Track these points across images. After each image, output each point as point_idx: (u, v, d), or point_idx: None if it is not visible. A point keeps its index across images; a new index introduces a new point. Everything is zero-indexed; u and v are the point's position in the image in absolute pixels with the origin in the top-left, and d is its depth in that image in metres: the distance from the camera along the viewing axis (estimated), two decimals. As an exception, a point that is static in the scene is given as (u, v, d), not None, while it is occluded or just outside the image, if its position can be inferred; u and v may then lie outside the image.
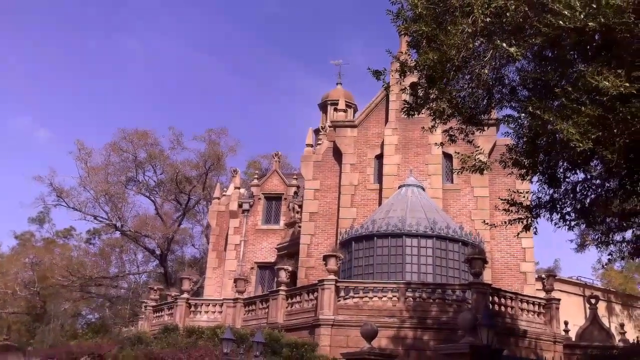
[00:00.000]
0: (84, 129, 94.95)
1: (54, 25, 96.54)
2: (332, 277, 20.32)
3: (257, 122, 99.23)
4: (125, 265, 52.28)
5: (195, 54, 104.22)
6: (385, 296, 19.88)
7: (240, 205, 32.70)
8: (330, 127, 30.17)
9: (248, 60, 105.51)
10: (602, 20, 8.93)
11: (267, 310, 22.17)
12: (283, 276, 22.35)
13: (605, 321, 28.88)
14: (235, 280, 24.96)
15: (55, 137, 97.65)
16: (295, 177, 33.61)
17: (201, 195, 48.12)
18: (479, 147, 13.31)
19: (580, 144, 9.29)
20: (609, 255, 13.41)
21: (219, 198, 34.62)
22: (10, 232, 79.11)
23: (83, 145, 45.63)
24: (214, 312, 24.24)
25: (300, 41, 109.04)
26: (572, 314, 28.90)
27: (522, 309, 20.72)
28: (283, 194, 33.00)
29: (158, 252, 47.22)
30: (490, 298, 19.76)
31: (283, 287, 22.02)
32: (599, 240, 12.73)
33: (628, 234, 13.18)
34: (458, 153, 13.22)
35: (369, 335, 16.17)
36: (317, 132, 35.39)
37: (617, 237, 13.12)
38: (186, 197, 48.00)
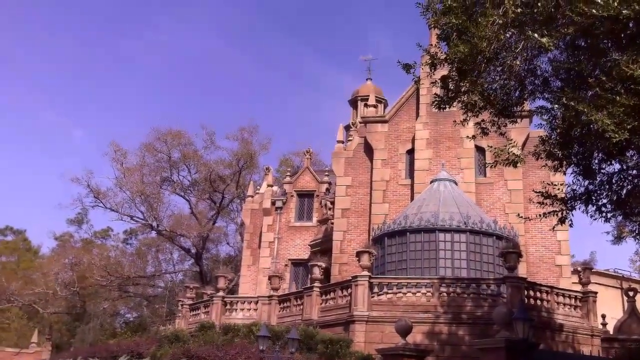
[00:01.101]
0: (117, 128, 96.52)
1: (87, 24, 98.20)
2: (365, 273, 20.26)
3: (287, 118, 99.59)
4: (161, 265, 52.99)
5: (225, 49, 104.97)
6: (419, 292, 19.75)
7: (273, 203, 32.83)
8: (360, 122, 30.10)
9: (278, 56, 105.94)
10: (637, 7, 8.72)
11: (301, 307, 22.21)
12: (317, 273, 22.37)
13: (644, 314, 28.24)
14: (270, 278, 25.06)
15: (89, 136, 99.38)
16: (326, 173, 33.62)
17: (235, 193, 48.42)
18: (511, 139, 13.11)
19: (616, 135, 9.10)
20: (648, 246, 13.15)
21: (252, 196, 34.80)
22: (50, 233, 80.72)
23: (118, 147, 46.26)
24: (249, 309, 24.37)
25: (330, 37, 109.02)
26: (610, 307, 28.29)
27: (558, 303, 20.40)
28: (315, 190, 33.02)
29: (193, 250, 47.69)
30: (526, 292, 19.49)
31: (317, 284, 22.04)
32: (637, 231, 12.44)
33: (667, 226, 12.88)
34: (491, 146, 13.07)
35: (404, 331, 16.08)
36: (347, 128, 35.32)
37: (656, 229, 12.83)
38: (220, 195, 48.34)
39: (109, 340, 31.13)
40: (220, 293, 24.91)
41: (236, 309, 24.61)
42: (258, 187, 36.21)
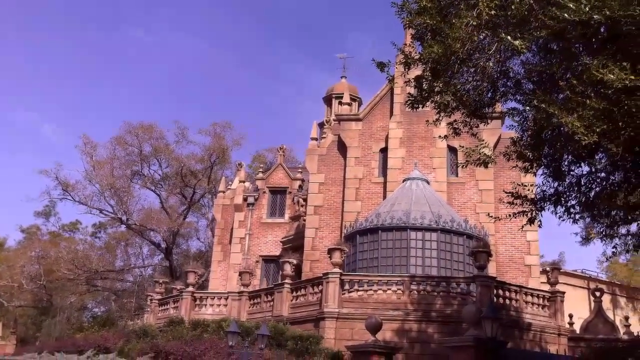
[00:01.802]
0: (90, 123, 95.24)
1: (59, 18, 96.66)
2: (336, 270, 20.35)
3: (262, 115, 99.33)
4: (130, 259, 52.56)
5: (200, 45, 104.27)
6: (389, 289, 19.90)
7: (245, 199, 32.77)
8: (335, 120, 30.17)
9: (253, 52, 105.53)
10: (608, 12, 8.89)
11: (272, 303, 22.22)
12: (288, 269, 22.40)
13: (609, 314, 28.85)
14: (240, 274, 25.01)
15: (61, 131, 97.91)
16: (300, 170, 33.65)
17: (206, 188, 48.23)
18: (483, 140, 13.31)
19: (585, 137, 9.27)
20: (613, 248, 13.41)
21: (224, 192, 34.67)
22: (16, 226, 79.52)
23: (89, 139, 45.81)
24: (219, 305, 24.32)
25: (306, 34, 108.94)
26: (577, 307, 28.86)
27: (526, 302, 20.73)
28: (288, 187, 33.03)
29: (163, 245, 47.39)
30: (495, 291, 19.77)
31: (288, 280, 22.08)
32: (604, 233, 12.70)
33: (633, 227, 13.17)
34: (463, 146, 13.25)
35: (374, 328, 16.22)
36: (321, 125, 35.36)
37: (622, 230, 13.12)
38: (191, 190, 48.11)
39: (76, 335, 30.80)
40: (190, 288, 24.81)
41: (206, 305, 24.53)
42: (230, 183, 36.09)
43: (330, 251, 21.00)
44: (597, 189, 11.59)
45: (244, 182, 34.06)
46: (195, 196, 48.81)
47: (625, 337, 21.56)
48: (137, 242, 51.01)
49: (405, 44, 13.06)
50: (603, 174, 11.56)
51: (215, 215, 34.93)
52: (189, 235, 51.49)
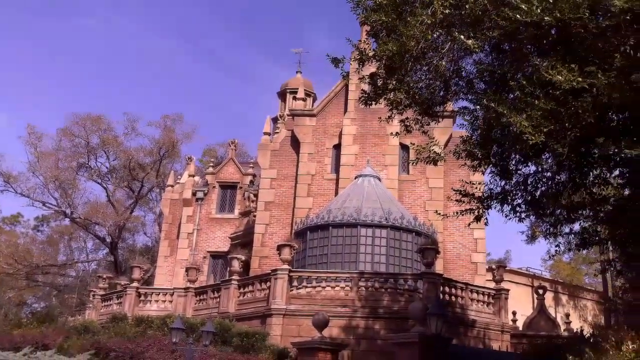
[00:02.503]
0: (37, 113, 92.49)
1: (8, 4, 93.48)
2: (285, 266, 20.31)
3: (214, 108, 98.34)
4: (74, 253, 51.41)
5: (153, 36, 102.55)
6: (338, 286, 19.97)
7: (194, 194, 32.40)
8: (288, 115, 30.11)
9: (207, 44, 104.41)
10: (558, 15, 9.10)
11: (218, 299, 22.04)
12: (236, 265, 22.25)
13: (552, 311, 29.70)
14: (187, 270, 24.73)
15: (7, 121, 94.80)
16: (251, 165, 33.45)
17: (155, 182, 47.50)
18: (434, 138, 13.48)
19: (533, 137, 9.47)
20: (557, 246, 13.77)
21: (172, 186, 34.20)
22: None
23: (33, 130, 44.49)
24: (165, 301, 24.00)
25: (261, 27, 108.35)
26: (521, 304, 29.60)
27: (472, 299, 21.11)
28: (238, 182, 32.81)
29: (109, 240, 46.44)
30: (442, 288, 20.06)
31: (235, 277, 21.92)
32: (548, 231, 13.02)
33: (576, 226, 13.56)
34: (414, 144, 13.34)
35: (321, 325, 16.24)
36: (275, 120, 35.27)
37: (566, 229, 13.47)
38: (139, 184, 47.28)
39: (13, 331, 29.82)
40: (135, 284, 24.40)
41: (151, 301, 24.17)
42: (179, 177, 35.63)
43: (280, 247, 20.93)
44: (543, 188, 11.86)
45: (193, 176, 33.67)
46: (143, 190, 48.01)
47: (566, 333, 22.21)
48: (82, 236, 49.91)
49: (361, 41, 13.13)
50: (549, 174, 11.85)
51: (163, 210, 34.42)
52: (136, 229, 50.66)
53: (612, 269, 18.39)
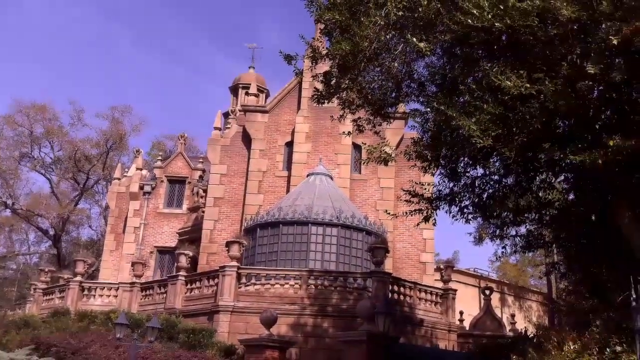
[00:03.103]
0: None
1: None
2: (234, 263, 20.28)
3: (164, 101, 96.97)
4: (14, 245, 50.02)
5: (103, 23, 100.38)
6: (287, 283, 20.05)
7: (141, 187, 31.97)
8: (240, 111, 29.96)
9: (158, 34, 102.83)
10: (509, 21, 9.38)
11: (165, 295, 21.86)
12: (183, 261, 22.10)
13: (498, 311, 30.46)
14: (133, 264, 24.45)
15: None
16: (201, 160, 33.19)
17: (101, 175, 46.69)
18: (385, 139, 13.70)
19: (481, 141, 9.72)
20: (503, 248, 14.14)
21: (119, 179, 33.68)
22: None
23: (-28, 117, 43.14)
24: (109, 296, 23.66)
25: (215, 20, 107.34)
26: (468, 304, 30.25)
27: (420, 298, 21.47)
28: (187, 177, 32.53)
29: (52, 232, 45.42)
30: (391, 287, 20.34)
31: (183, 273, 21.78)
32: (495, 234, 13.38)
33: (522, 229, 13.98)
34: (365, 144, 13.52)
35: (269, 322, 16.29)
36: (226, 115, 35.08)
37: (512, 232, 13.88)
38: (85, 176, 46.38)
39: (-52, 326, 28.92)
40: (78, 278, 23.98)
41: (94, 295, 23.80)
42: (126, 170, 35.10)
43: (229, 244, 20.88)
44: (490, 191, 12.18)
45: (141, 169, 33.22)
46: (88, 182, 47.12)
47: (511, 333, 22.81)
48: (23, 227, 48.65)
49: (315, 39, 13.21)
50: (496, 177, 12.16)
51: (110, 203, 33.85)
52: (81, 222, 49.65)
53: (556, 271, 18.99)
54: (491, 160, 11.42)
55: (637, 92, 9.66)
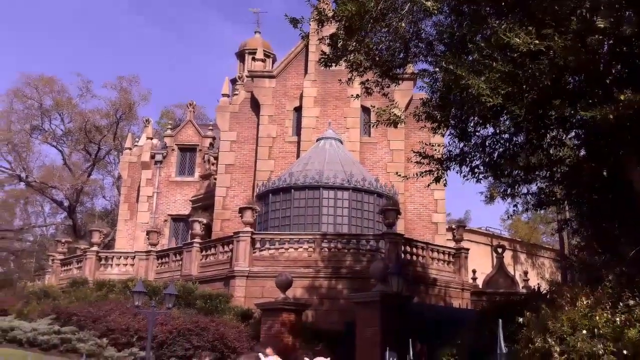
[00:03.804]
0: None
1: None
2: (248, 229, 20.45)
3: (171, 70, 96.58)
4: (30, 218, 50.62)
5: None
6: (301, 247, 20.23)
7: (152, 156, 32.11)
8: (247, 77, 29.85)
9: (162, 4, 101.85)
10: (516, -24, 9.19)
11: (180, 262, 22.13)
12: (197, 229, 22.30)
13: (510, 269, 30.61)
14: (148, 233, 24.71)
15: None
16: (211, 128, 33.21)
17: (112, 145, 46.84)
18: (394, 101, 13.57)
19: (491, 99, 9.63)
20: (514, 206, 14.12)
21: (130, 148, 33.83)
22: None
23: (-18, 91, 43.26)
24: (126, 265, 24.00)
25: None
26: (481, 263, 30.42)
27: (432, 258, 21.62)
28: (198, 145, 32.61)
29: (66, 203, 45.82)
30: (403, 247, 20.49)
31: (197, 240, 22.00)
32: (506, 192, 13.33)
33: (533, 187, 13.91)
34: (374, 106, 13.43)
35: (284, 286, 16.49)
36: (234, 82, 34.94)
37: (523, 190, 13.82)
38: (96, 147, 46.58)
39: (-30, 298, 29.49)
40: (95, 248, 24.30)
41: (112, 265, 24.14)
42: (137, 140, 35.22)
43: (242, 210, 21.03)
44: (501, 149, 12.10)
45: (151, 139, 33.32)
46: (100, 153, 47.34)
47: (524, 290, 22.98)
48: (38, 200, 49.12)
49: (320, 1, 13.03)
50: (506, 136, 12.07)
51: (122, 173, 34.09)
52: (94, 193, 50.05)
53: (568, 228, 18.95)
54: (501, 118, 11.31)
55: (648, 45, 9.51)
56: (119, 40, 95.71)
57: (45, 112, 45.47)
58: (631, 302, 8.51)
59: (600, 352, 7.97)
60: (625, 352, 7.86)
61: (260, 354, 13.28)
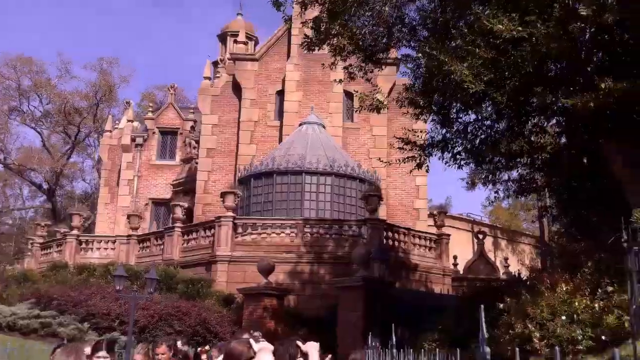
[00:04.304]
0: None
1: None
2: (230, 213, 20.44)
3: (152, 51, 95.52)
4: (8, 200, 50.11)
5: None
6: (283, 232, 20.27)
7: (133, 139, 31.89)
8: (229, 60, 29.65)
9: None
10: (499, -38, 9.20)
11: (162, 247, 22.09)
12: (179, 213, 22.24)
13: (491, 255, 30.91)
14: (129, 217, 24.60)
15: None
16: (192, 111, 33.01)
17: (92, 127, 46.43)
18: (377, 86, 13.55)
19: (473, 86, 9.67)
20: (495, 193, 14.23)
21: (110, 131, 33.56)
22: None
23: (-42, 71, 42.58)
24: (107, 249, 23.90)
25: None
26: (462, 249, 30.60)
27: (414, 244, 21.77)
28: (179, 128, 32.43)
29: (45, 186, 45.45)
30: (385, 233, 20.62)
31: (179, 224, 21.96)
32: (487, 179, 13.43)
33: (514, 174, 14.04)
34: (357, 91, 13.41)
35: (266, 271, 16.53)
36: (216, 64, 34.67)
37: (504, 176, 13.95)
38: (76, 129, 46.14)
39: (-53, 282, 29.20)
40: (75, 231, 24.16)
41: (92, 249, 24.04)
42: (117, 122, 34.92)
43: (224, 195, 21.00)
44: (483, 136, 12.17)
45: (132, 121, 33.08)
46: (80, 135, 46.90)
47: (504, 276, 23.22)
48: (17, 182, 48.64)
49: (303, -17, 12.92)
50: (488, 122, 12.15)
51: (102, 156, 33.84)
52: (74, 176, 49.68)
53: (548, 215, 19.15)
54: (483, 105, 11.36)
55: (629, 34, 9.59)
56: (100, 21, 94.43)
57: (23, 93, 44.94)
58: (609, 289, 8.65)
59: (579, 338, 8.11)
60: (603, 337, 8.01)
61: (251, 340, 13.30)
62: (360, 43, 12.41)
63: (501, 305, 9.37)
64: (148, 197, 31.22)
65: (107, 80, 45.30)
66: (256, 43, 35.89)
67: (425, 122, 14.05)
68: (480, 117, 11.94)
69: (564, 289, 8.95)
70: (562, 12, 9.32)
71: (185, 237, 21.81)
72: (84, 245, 24.09)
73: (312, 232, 20.30)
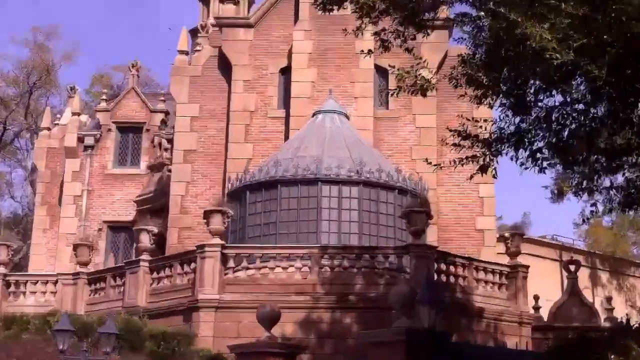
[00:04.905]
0: None
1: None
2: (217, 240, 20.49)
3: (106, 18, 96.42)
4: None
5: None
6: (292, 266, 20.29)
7: (81, 139, 32.12)
8: (214, 26, 29.79)
9: None
10: None
11: (122, 288, 22.20)
12: (146, 241, 22.33)
13: (588, 294, 30.71)
14: (76, 247, 24.72)
15: None
16: (162, 99, 33.20)
17: (23, 124, 46.91)
18: (422, 58, 13.53)
19: (559, 55, 9.65)
20: (593, 205, 14.11)
21: (49, 129, 33.85)
22: None
23: None
24: (46, 292, 24.05)
25: None
26: (546, 286, 30.47)
27: (478, 280, 21.70)
28: (145, 122, 32.63)
29: (-42, 207, 45.93)
30: (436, 265, 20.56)
31: (146, 257, 22.05)
32: (581, 186, 13.35)
33: (619, 178, 13.93)
34: (393, 66, 13.39)
35: (269, 320, 16.52)
36: (195, 33, 34.83)
37: (605, 182, 13.84)
38: (1, 127, 46.61)
39: None
40: (1, 269, 24.31)
41: (25, 293, 24.20)
42: (58, 116, 35.26)
43: (208, 214, 21.05)
44: (573, 126, 12.11)
45: (79, 114, 33.33)
46: (6, 135, 47.37)
47: (607, 324, 23.03)
48: None
49: None
50: (581, 106, 12.10)
51: (37, 163, 34.12)
52: (-1, 192, 50.19)
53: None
54: (573, 82, 11.37)
55: None
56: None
57: None
58: None
59: None
60: None
61: None
62: (398, -1, 12.46)
63: (603, 365, 9.35)
64: (102, 219, 31.42)
65: (43, 58, 45.77)
66: (250, 3, 36.07)
67: (491, 107, 14.00)
68: (569, 100, 11.90)
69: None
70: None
71: (155, 274, 21.89)
72: (13, 289, 24.23)
73: (332, 265, 20.30)
